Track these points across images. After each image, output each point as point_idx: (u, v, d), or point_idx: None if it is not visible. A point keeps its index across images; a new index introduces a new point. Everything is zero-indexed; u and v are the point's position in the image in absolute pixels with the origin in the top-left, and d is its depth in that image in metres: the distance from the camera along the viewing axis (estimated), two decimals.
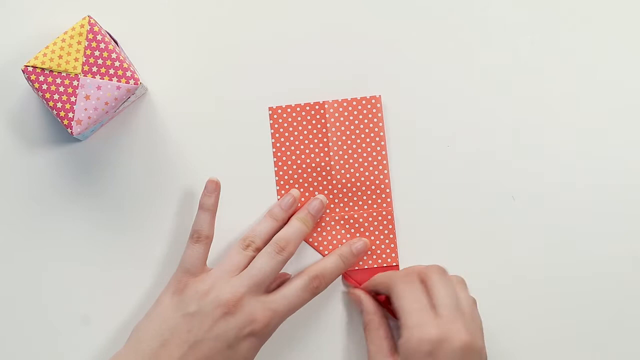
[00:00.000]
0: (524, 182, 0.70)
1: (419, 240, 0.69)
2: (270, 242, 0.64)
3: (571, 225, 0.70)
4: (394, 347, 0.63)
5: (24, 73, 0.63)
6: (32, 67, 0.63)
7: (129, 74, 0.63)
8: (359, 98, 0.69)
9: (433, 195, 0.69)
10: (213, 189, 0.65)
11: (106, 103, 0.63)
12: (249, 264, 0.64)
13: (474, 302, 0.64)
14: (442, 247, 0.69)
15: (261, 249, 0.64)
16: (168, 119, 0.69)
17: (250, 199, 0.69)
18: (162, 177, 0.68)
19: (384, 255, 0.69)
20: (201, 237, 0.64)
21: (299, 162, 0.69)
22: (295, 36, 0.69)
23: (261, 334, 0.61)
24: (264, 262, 0.63)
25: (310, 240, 0.68)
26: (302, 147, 0.69)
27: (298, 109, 0.69)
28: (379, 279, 0.66)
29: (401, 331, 0.60)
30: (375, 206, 0.69)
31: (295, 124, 0.69)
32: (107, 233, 0.68)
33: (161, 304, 0.62)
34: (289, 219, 0.67)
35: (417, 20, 0.70)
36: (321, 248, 0.68)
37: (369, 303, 0.66)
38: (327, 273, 0.65)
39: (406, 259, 0.69)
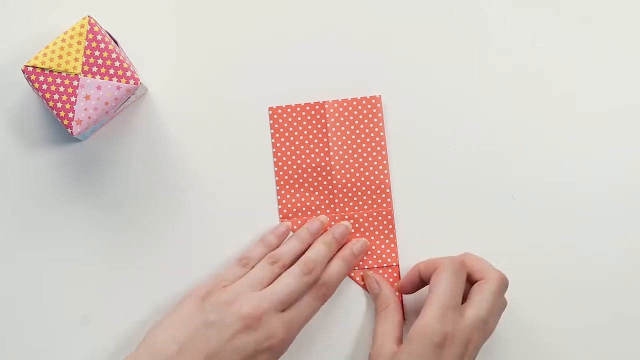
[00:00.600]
0: (524, 182, 0.70)
1: (419, 240, 0.69)
2: (298, 262, 0.65)
3: (571, 225, 0.70)
4: (401, 338, 0.64)
5: (24, 73, 0.63)
6: (32, 67, 0.63)
7: (129, 74, 0.63)
8: (359, 98, 0.69)
9: (433, 195, 0.69)
10: (283, 232, 0.67)
11: (106, 103, 0.63)
12: (273, 280, 0.64)
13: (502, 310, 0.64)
14: (442, 247, 0.69)
15: (287, 268, 0.65)
16: (168, 119, 0.69)
17: (250, 198, 0.69)
18: (162, 177, 0.68)
19: (383, 255, 0.69)
20: (249, 264, 0.65)
21: (299, 162, 0.69)
22: (295, 36, 0.69)
23: (279, 348, 0.62)
24: (289, 282, 0.63)
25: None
26: (302, 147, 0.69)
27: (298, 109, 0.69)
28: (432, 259, 0.66)
29: (423, 311, 0.61)
30: (375, 206, 0.69)
31: (295, 124, 0.69)
32: (107, 233, 0.68)
33: (183, 307, 0.62)
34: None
35: (417, 20, 0.70)
36: None
37: (388, 288, 0.67)
38: (334, 278, 0.65)
39: (406, 259, 0.69)
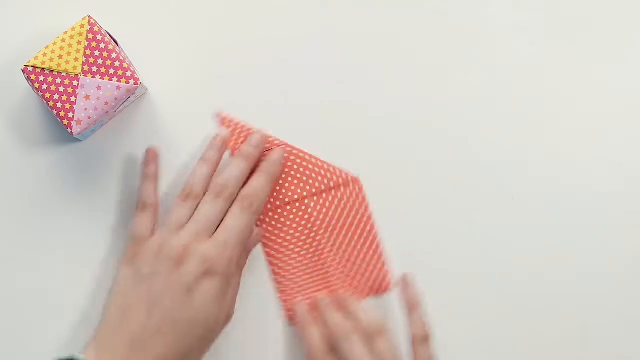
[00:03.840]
0: (524, 182, 0.70)
1: (419, 240, 0.69)
2: (210, 187, 0.64)
3: (571, 225, 0.70)
4: None
5: (24, 73, 0.63)
6: (32, 67, 0.63)
7: (129, 74, 0.63)
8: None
9: (433, 195, 0.69)
10: (152, 157, 0.66)
11: (106, 103, 0.63)
12: (192, 214, 0.63)
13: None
14: (442, 247, 0.69)
15: (201, 197, 0.64)
16: (168, 119, 0.69)
17: None
18: (162, 177, 0.68)
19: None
20: (147, 205, 0.64)
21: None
22: (295, 36, 0.69)
23: (220, 271, 0.61)
24: (207, 209, 0.62)
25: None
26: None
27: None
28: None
29: None
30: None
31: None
32: (107, 233, 0.68)
33: (119, 278, 0.62)
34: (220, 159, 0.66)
35: (417, 20, 0.70)
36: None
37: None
38: (254, 189, 0.64)
39: (406, 259, 0.69)
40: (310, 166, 0.68)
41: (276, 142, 0.68)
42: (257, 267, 0.69)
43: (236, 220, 0.62)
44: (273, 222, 0.68)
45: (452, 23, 0.70)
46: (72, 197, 0.68)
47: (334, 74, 0.69)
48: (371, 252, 0.69)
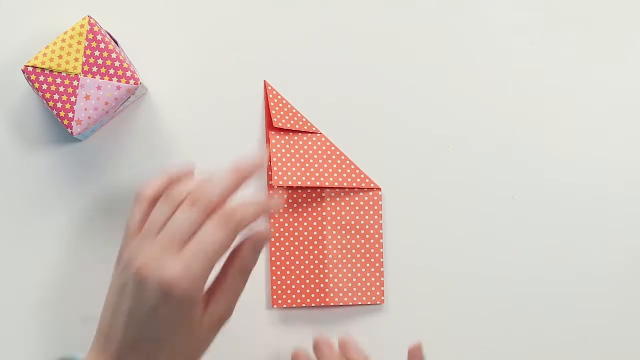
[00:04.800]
0: (524, 182, 0.70)
1: (418, 240, 0.69)
2: (190, 195, 0.56)
3: (571, 225, 0.70)
4: None
5: (24, 73, 0.63)
6: (32, 67, 0.63)
7: (129, 74, 0.63)
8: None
9: (433, 196, 0.69)
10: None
11: (106, 103, 0.63)
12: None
13: None
14: (442, 247, 0.69)
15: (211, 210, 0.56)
16: (168, 119, 0.69)
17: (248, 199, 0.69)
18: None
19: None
20: (142, 197, 0.58)
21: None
22: (295, 36, 0.69)
23: (180, 293, 0.53)
24: (177, 216, 0.55)
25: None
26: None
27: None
28: None
29: None
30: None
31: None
32: (107, 233, 0.68)
33: (112, 278, 0.58)
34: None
35: (417, 21, 0.70)
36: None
37: None
38: (243, 212, 0.55)
39: (405, 259, 0.69)
40: (339, 161, 0.68)
41: (313, 128, 0.68)
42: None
43: (208, 235, 0.54)
44: (284, 203, 0.68)
45: (452, 23, 0.70)
46: (72, 197, 0.68)
47: (333, 74, 0.69)
48: (372, 260, 0.69)
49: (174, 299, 0.53)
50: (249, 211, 0.56)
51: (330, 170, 0.68)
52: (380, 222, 0.69)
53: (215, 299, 0.57)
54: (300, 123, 0.68)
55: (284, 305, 0.68)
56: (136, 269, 0.54)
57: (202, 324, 0.56)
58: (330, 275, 0.68)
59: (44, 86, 0.62)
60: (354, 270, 0.68)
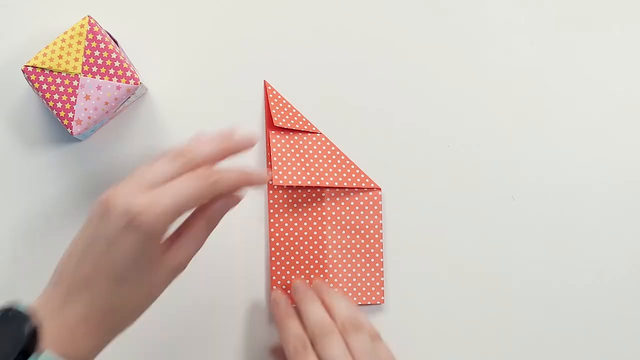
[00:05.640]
0: (524, 182, 0.70)
1: (418, 240, 0.69)
2: (174, 150, 0.57)
3: (571, 225, 0.70)
4: None
5: (24, 73, 0.63)
6: (32, 67, 0.63)
7: (129, 74, 0.63)
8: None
9: (433, 196, 0.69)
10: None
11: (106, 103, 0.63)
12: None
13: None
14: (442, 247, 0.69)
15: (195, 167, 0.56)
16: (168, 119, 0.69)
17: (248, 198, 0.69)
18: None
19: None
20: (177, 155, 0.56)
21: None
22: (295, 36, 0.69)
23: (145, 227, 0.53)
24: (157, 164, 0.56)
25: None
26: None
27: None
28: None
29: None
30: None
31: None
32: None
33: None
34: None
35: (417, 21, 0.70)
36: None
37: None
38: (225, 174, 0.56)
39: (405, 259, 0.69)
40: (338, 161, 0.68)
41: (313, 128, 0.68)
42: (255, 261, 0.69)
43: (182, 183, 0.54)
44: (284, 203, 0.68)
45: (452, 23, 0.70)
46: (72, 197, 0.68)
47: (333, 74, 0.69)
48: (372, 260, 0.69)
49: (135, 229, 0.53)
50: (229, 175, 0.56)
51: (330, 170, 0.68)
52: (380, 222, 0.69)
53: (176, 246, 0.57)
54: (300, 123, 0.68)
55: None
56: (102, 199, 0.54)
57: (158, 269, 0.56)
58: (330, 275, 0.68)
59: (44, 86, 0.62)
60: (354, 270, 0.68)
